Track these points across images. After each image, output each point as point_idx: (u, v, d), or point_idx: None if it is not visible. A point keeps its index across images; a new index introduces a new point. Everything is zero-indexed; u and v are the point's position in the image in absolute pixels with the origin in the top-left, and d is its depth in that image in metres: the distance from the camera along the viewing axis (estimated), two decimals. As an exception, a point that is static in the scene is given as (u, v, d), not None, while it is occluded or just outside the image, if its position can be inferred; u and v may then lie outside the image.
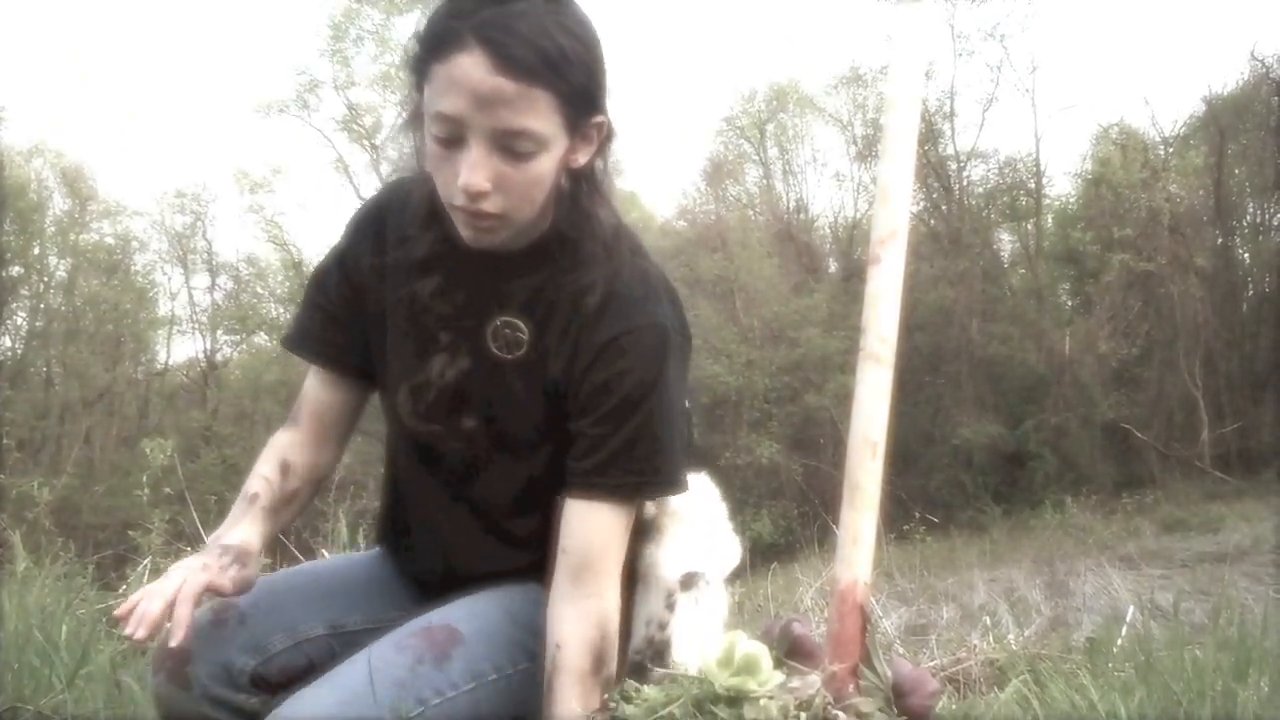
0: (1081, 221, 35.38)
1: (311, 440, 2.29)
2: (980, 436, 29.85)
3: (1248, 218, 35.76)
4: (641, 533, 2.20)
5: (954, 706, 3.78)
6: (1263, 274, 34.51)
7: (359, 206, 2.30)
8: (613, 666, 2.07)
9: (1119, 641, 4.35)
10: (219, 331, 40.26)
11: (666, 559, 2.22)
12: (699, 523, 2.27)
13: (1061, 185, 40.32)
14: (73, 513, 22.67)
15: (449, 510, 2.24)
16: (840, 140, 42.90)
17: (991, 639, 5.21)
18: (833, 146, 52.95)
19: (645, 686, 1.89)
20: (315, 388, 2.31)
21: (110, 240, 39.31)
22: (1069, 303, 36.85)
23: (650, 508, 2.21)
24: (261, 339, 39.65)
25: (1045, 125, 67.29)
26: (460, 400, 2.14)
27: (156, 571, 4.91)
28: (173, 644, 1.95)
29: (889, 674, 1.97)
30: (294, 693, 1.98)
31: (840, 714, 1.81)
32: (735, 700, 1.76)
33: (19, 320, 36.22)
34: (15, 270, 35.40)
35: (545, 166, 1.93)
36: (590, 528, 2.06)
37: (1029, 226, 37.82)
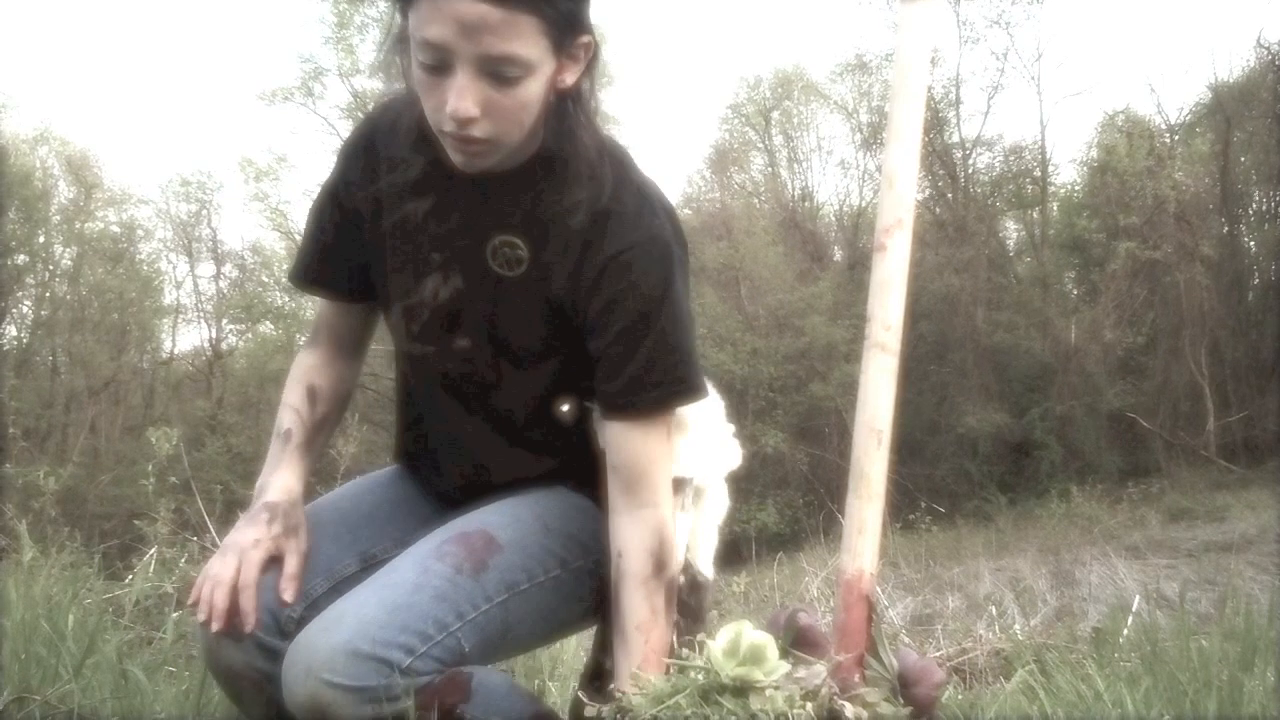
0: (1087, 209, 35.28)
1: (333, 358, 2.38)
2: (986, 425, 29.82)
3: (1253, 205, 35.73)
4: None
5: (960, 696, 3.78)
6: (1269, 262, 34.41)
7: (348, 135, 2.32)
8: (674, 569, 2.15)
9: (1125, 632, 4.35)
10: (224, 320, 40.31)
11: None
12: (696, 430, 2.29)
13: (1067, 173, 40.38)
14: (78, 502, 22.67)
15: (467, 424, 2.28)
16: (845, 128, 42.80)
17: (997, 629, 5.22)
18: (838, 134, 52.71)
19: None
20: (329, 313, 2.38)
21: (115, 228, 39.33)
22: (1074, 291, 36.80)
23: None
24: (266, 327, 39.68)
25: (1051, 113, 67.16)
26: (454, 320, 2.18)
27: (163, 562, 4.93)
28: (247, 629, 2.04)
29: (895, 664, 1.97)
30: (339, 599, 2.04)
31: (846, 704, 1.81)
32: (741, 690, 1.76)
33: (24, 309, 36.29)
34: (20, 259, 35.38)
35: (533, 90, 1.95)
36: (633, 445, 2.13)
37: (1034, 214, 37.87)
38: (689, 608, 2.27)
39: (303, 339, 2.45)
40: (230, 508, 6.23)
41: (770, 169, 43.54)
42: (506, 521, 2.18)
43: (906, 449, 26.25)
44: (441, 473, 2.37)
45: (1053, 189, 38.17)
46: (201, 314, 40.46)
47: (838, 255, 40.65)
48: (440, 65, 1.89)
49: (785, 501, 29.02)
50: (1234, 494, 22.65)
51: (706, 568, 2.34)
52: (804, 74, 42.35)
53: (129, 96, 69.81)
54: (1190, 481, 25.50)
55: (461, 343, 2.18)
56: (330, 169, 2.30)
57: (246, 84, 70.61)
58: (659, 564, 2.11)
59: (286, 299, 38.06)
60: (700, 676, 1.79)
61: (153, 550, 5.10)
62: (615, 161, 2.14)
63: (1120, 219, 32.17)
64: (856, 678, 1.92)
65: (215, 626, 2.03)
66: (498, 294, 2.15)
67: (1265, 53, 32.65)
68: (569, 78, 2.02)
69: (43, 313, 36.22)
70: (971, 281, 32.93)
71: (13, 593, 3.48)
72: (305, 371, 2.34)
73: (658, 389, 2.11)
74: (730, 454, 2.43)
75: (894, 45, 2.19)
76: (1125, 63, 56.36)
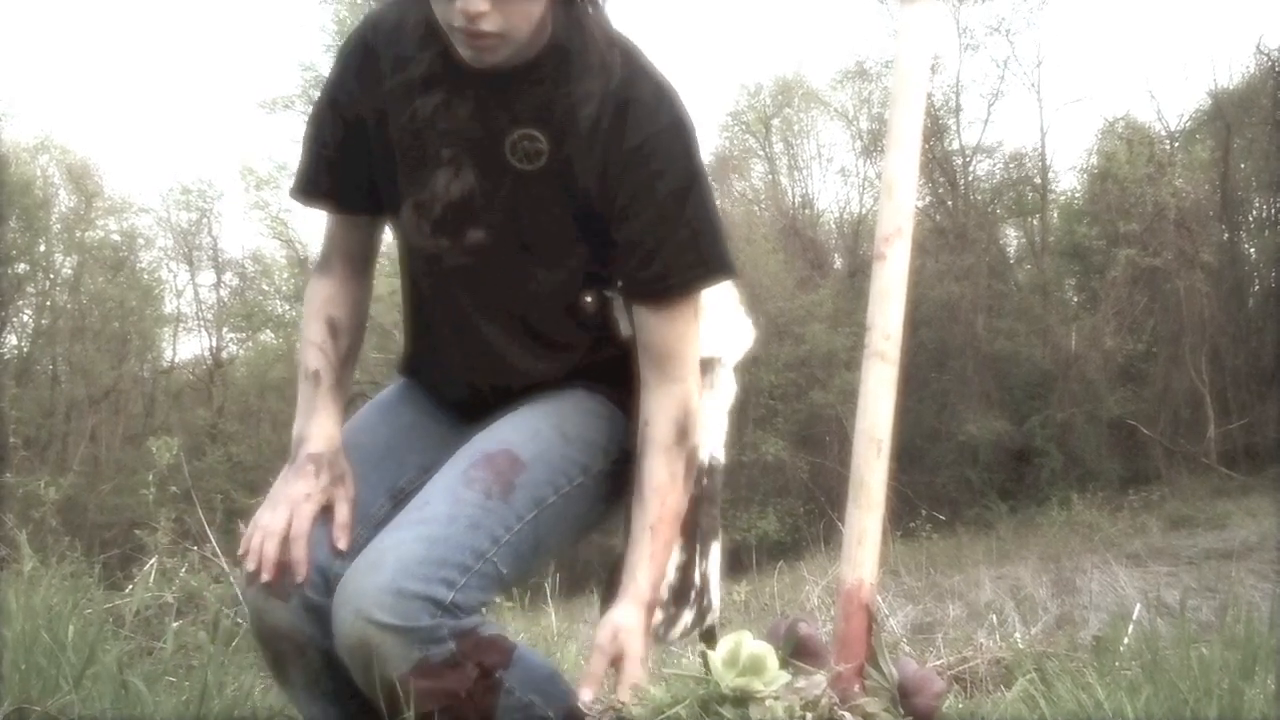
0: (1087, 217, 35.26)
1: (346, 281, 2.38)
2: (986, 433, 29.80)
3: (1254, 212, 35.71)
4: None
5: (960, 705, 3.78)
6: (1269, 269, 34.41)
7: (343, 42, 2.31)
8: (695, 439, 2.24)
9: (1125, 640, 4.34)
10: (224, 329, 40.32)
11: None
12: (715, 309, 2.37)
13: (1067, 180, 40.35)
14: (79, 511, 22.66)
15: (484, 324, 2.28)
16: (846, 135, 42.77)
17: (998, 637, 5.21)
18: (838, 141, 52.75)
19: (651, 687, 1.90)
20: (337, 229, 2.38)
21: (116, 237, 39.34)
22: (1075, 298, 36.78)
23: None
24: (267, 336, 39.72)
25: (1051, 120, 66.97)
26: (466, 214, 2.18)
27: (163, 572, 4.93)
28: (299, 579, 2.07)
29: (895, 674, 1.98)
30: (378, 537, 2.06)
31: (846, 714, 1.82)
32: (741, 700, 1.76)
33: (25, 318, 36.26)
34: (21, 268, 35.37)
35: None
36: (665, 327, 2.19)
37: (1034, 222, 37.86)
38: (704, 489, 2.38)
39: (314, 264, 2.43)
40: (231, 516, 6.23)
41: (771, 176, 43.54)
42: (527, 437, 2.20)
43: (907, 456, 26.23)
44: (455, 382, 2.38)
45: (1053, 196, 38.19)
46: (202, 322, 40.49)
47: (838, 263, 40.63)
48: None
49: (786, 510, 29.00)
50: (1235, 501, 22.62)
51: (719, 450, 2.44)
52: (804, 81, 42.37)
53: (129, 105, 69.86)
54: (1191, 489, 25.47)
55: (476, 236, 2.18)
56: (327, 77, 2.29)
57: (247, 92, 70.63)
58: (682, 432, 2.19)
59: (287, 307, 38.07)
60: (700, 687, 1.79)
61: (153, 560, 5.10)
62: (625, 52, 2.15)
63: (1120, 226, 32.14)
64: (856, 688, 1.93)
65: (265, 577, 2.07)
66: (517, 189, 2.15)
67: (1265, 59, 32.67)
68: None
69: (43, 321, 36.23)
70: (972, 289, 32.93)
71: (13, 603, 3.48)
72: (323, 303, 2.34)
73: (692, 270, 2.17)
74: (745, 334, 2.56)
75: (894, 52, 2.21)
76: (1125, 69, 56.46)
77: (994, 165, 38.17)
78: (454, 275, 2.23)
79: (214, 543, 5.26)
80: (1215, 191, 33.68)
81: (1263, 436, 28.55)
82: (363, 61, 2.21)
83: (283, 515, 2.11)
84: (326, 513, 2.17)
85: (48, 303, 36.78)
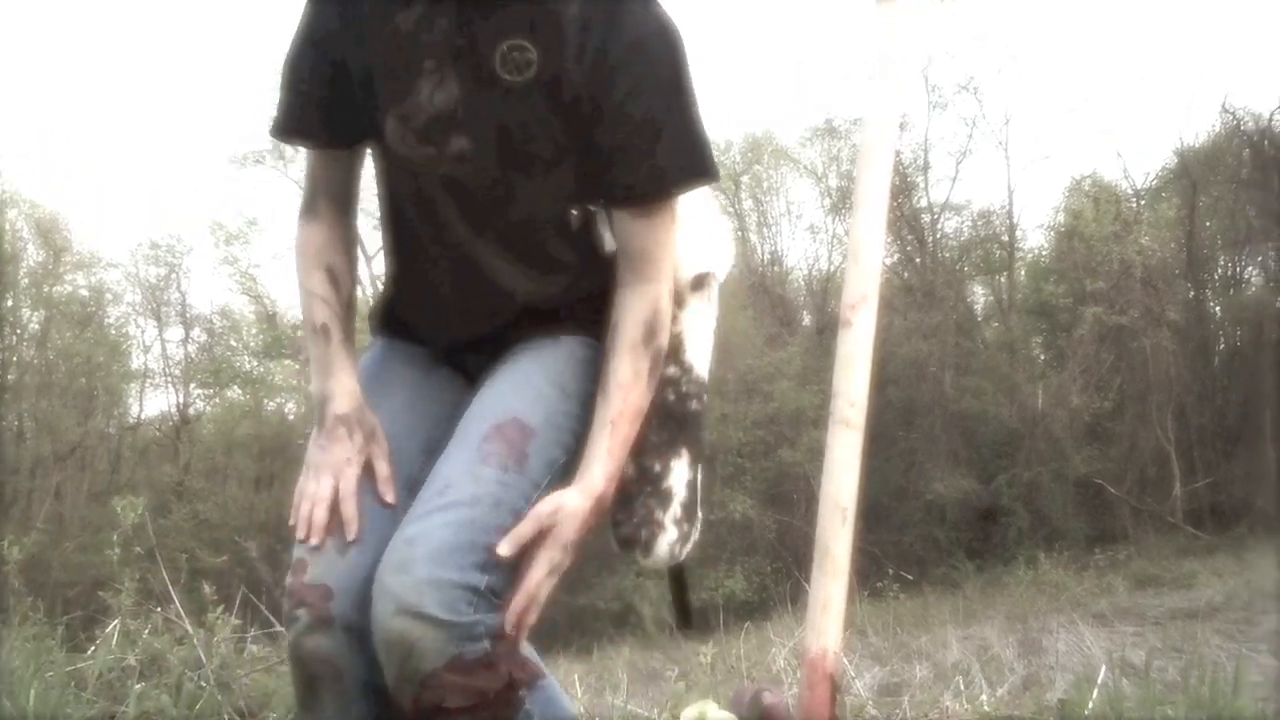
0: (1054, 274, 35.50)
1: (335, 223, 2.38)
2: (954, 491, 29.80)
3: (1219, 270, 35.94)
4: None
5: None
6: (1234, 327, 34.72)
7: None
8: (663, 338, 2.28)
9: (1090, 704, 4.35)
10: (192, 385, 40.13)
11: (678, 262, 2.39)
12: (701, 223, 2.45)
13: (1034, 238, 40.53)
14: (43, 569, 22.45)
15: (472, 241, 2.29)
16: (815, 192, 42.99)
17: (964, 699, 5.21)
18: (807, 198, 52.93)
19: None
20: (321, 169, 2.37)
21: (84, 292, 39.13)
22: (1041, 356, 36.88)
23: None
24: (234, 392, 39.54)
25: (1019, 178, 67.52)
26: (450, 123, 2.17)
27: (126, 634, 4.89)
28: (350, 538, 2.10)
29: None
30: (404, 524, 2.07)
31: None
32: (705, 771, 1.76)
33: (-10, 374, 36.02)
34: (-13, 323, 35.23)
35: None
36: (646, 231, 2.24)
37: (1002, 279, 38.02)
38: (704, 405, 2.45)
39: (302, 255, 2.42)
40: (195, 576, 6.21)
41: (740, 233, 43.63)
42: (530, 401, 2.23)
43: (874, 515, 26.22)
44: (445, 314, 2.39)
45: (1020, 254, 38.41)
46: (169, 379, 40.29)
47: (806, 320, 40.73)
48: None
49: (753, 569, 28.91)
50: (1200, 560, 22.69)
51: (703, 369, 2.47)
52: (774, 138, 42.60)
53: (99, 159, 69.66)
54: (1157, 548, 25.53)
55: (460, 144, 2.17)
56: (302, 18, 2.28)
57: (218, 146, 70.60)
58: (650, 332, 2.23)
59: (255, 363, 37.97)
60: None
61: (116, 622, 5.06)
62: None
63: (1087, 284, 32.35)
64: (821, 758, 1.93)
65: (315, 541, 2.10)
66: (505, 101, 2.16)
67: (1230, 118, 33.08)
68: None
69: (9, 377, 35.96)
70: (939, 347, 33.02)
71: (-26, 668, 3.45)
72: (318, 251, 2.35)
73: (680, 172, 2.21)
74: (727, 251, 2.59)
75: (863, 113, 2.24)
76: (1092, 127, 56.83)
77: (962, 223, 38.44)
78: (439, 188, 2.25)
79: (178, 603, 5.23)
80: (1181, 250, 33.92)
81: (1228, 495, 28.66)
82: (338, 4, 2.23)
83: (328, 482, 2.16)
84: (368, 471, 2.20)
85: (15, 358, 36.52)
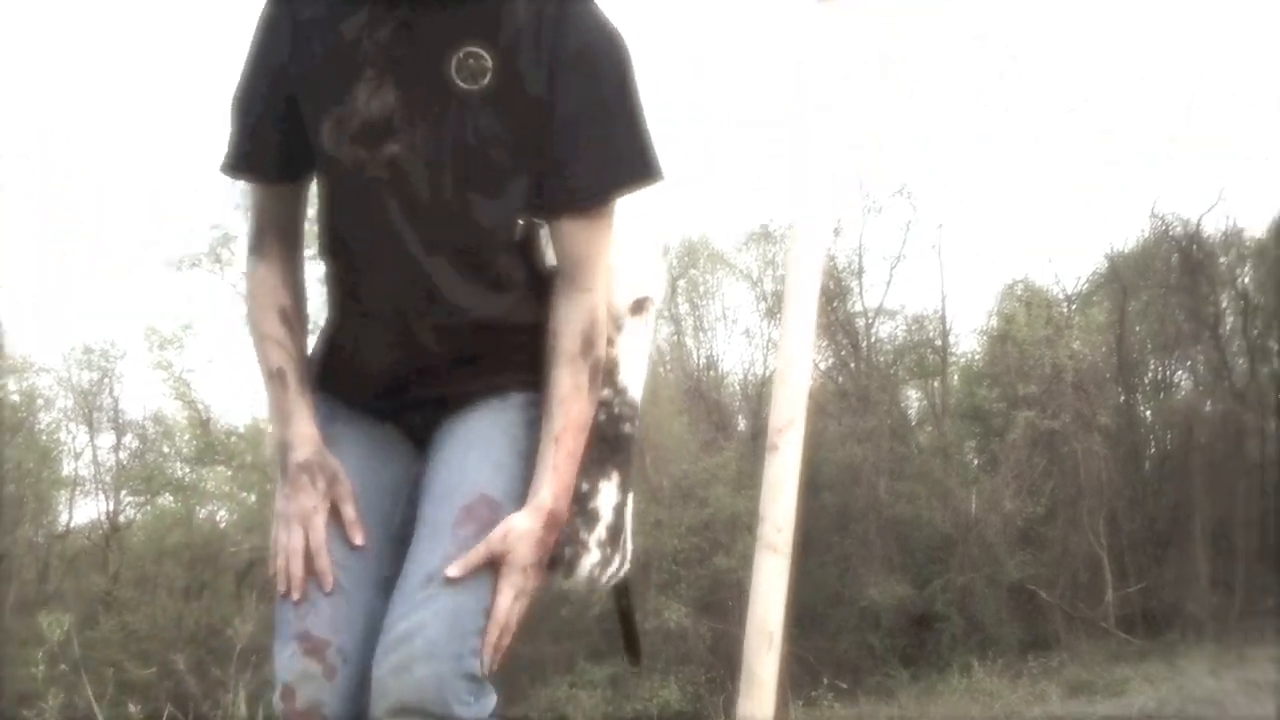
0: (987, 379, 35.70)
1: (284, 259, 2.39)
2: (888, 597, 29.72)
3: (1149, 374, 36.26)
4: None
5: None
6: (1164, 432, 35.02)
7: (261, 13, 2.30)
8: (601, 348, 2.35)
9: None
10: (123, 492, 39.66)
11: (616, 285, 2.48)
12: (638, 247, 2.51)
13: (967, 342, 40.75)
14: (-37, 684, 22.08)
15: (428, 263, 2.27)
16: (751, 296, 43.17)
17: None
18: (743, 303, 53.26)
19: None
20: (269, 205, 2.38)
21: (15, 397, 38.74)
22: (975, 461, 37.05)
23: None
24: (166, 500, 39.09)
25: (952, 282, 68.13)
26: (385, 129, 2.17)
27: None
28: (326, 590, 2.18)
29: None
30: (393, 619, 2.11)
31: None
32: None
33: (-83, 481, 35.53)
34: (-86, 432, 34.83)
35: None
36: (584, 236, 2.30)
37: (935, 384, 38.23)
38: (636, 429, 2.54)
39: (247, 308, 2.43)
40: (122, 689, 6.13)
41: (676, 337, 43.73)
42: (491, 474, 2.27)
43: (808, 622, 26.14)
44: (392, 346, 2.37)
45: (953, 358, 38.59)
46: (100, 485, 39.77)
47: (741, 424, 40.75)
48: None
49: (688, 678, 28.68)
50: (1133, 666, 22.79)
51: (636, 392, 2.58)
52: (710, 243, 42.83)
53: (32, 262, 69.29)
54: (1090, 654, 25.59)
55: (391, 149, 2.18)
56: (250, 51, 2.29)
57: (153, 251, 70.37)
58: (588, 343, 2.30)
59: (187, 470, 37.62)
60: None
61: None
62: None
63: (1020, 388, 32.54)
64: None
65: (295, 596, 2.16)
66: (460, 111, 2.18)
67: (1159, 223, 33.54)
68: None
69: (-63, 486, 35.54)
70: (874, 451, 33.07)
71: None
72: (270, 292, 2.36)
73: (624, 174, 2.29)
74: (662, 274, 2.66)
75: (792, 227, 2.30)
76: (1025, 233, 57.36)
77: (896, 327, 38.60)
78: (391, 202, 2.23)
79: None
80: (1112, 354, 34.24)
81: (1160, 600, 28.77)
82: (288, 26, 2.23)
83: (299, 533, 2.21)
84: (334, 515, 2.26)
85: (-58, 467, 36.12)
